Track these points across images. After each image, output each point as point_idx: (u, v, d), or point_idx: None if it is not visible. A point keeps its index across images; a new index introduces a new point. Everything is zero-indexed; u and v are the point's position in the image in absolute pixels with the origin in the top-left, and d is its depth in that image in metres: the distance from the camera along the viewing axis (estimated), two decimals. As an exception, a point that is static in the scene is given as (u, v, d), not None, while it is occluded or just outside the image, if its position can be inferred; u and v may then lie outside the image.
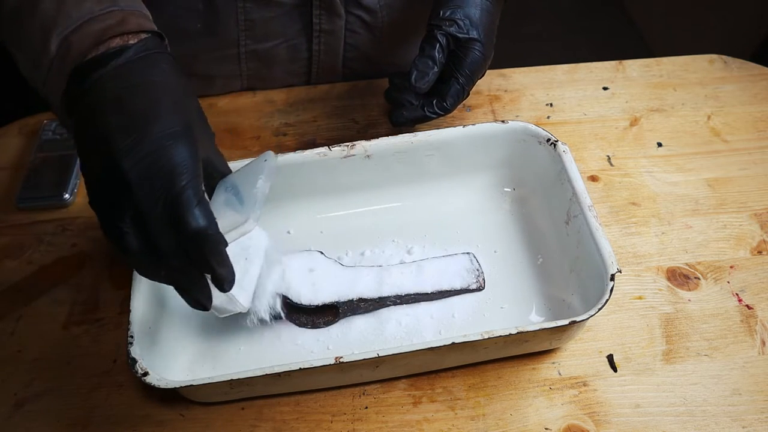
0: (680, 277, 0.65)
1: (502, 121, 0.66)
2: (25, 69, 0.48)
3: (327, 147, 0.64)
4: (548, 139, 0.65)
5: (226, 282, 0.45)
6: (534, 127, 0.66)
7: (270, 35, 0.76)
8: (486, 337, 0.52)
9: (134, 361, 0.51)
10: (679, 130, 0.78)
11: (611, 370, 0.59)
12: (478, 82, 0.68)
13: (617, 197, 0.71)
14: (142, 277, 0.56)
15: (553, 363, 0.59)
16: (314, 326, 0.60)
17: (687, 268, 0.65)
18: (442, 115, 0.67)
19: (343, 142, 0.65)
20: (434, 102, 0.66)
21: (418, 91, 0.65)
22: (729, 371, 0.58)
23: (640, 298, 0.63)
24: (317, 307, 0.59)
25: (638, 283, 0.64)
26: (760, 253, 0.67)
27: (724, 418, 0.56)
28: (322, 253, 0.63)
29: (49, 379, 0.59)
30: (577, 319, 0.53)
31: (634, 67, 0.85)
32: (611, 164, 0.74)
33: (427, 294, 0.61)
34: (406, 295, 0.61)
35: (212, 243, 0.42)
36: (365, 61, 0.82)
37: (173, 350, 0.58)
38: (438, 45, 0.64)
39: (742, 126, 0.78)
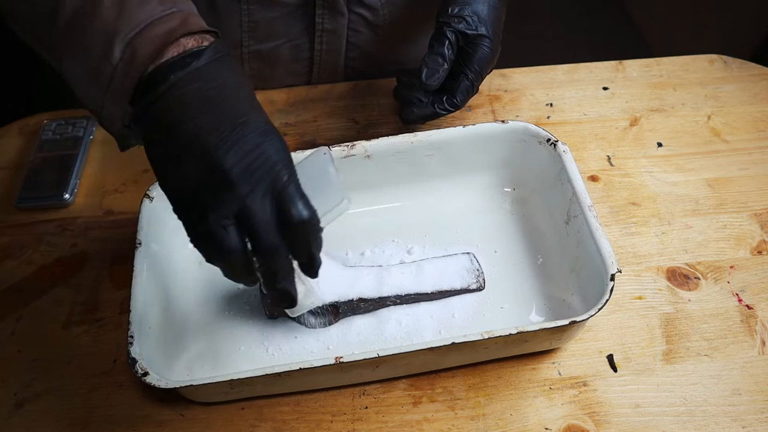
0: (680, 277, 0.65)
1: (502, 121, 0.66)
2: (79, 84, 0.45)
3: (327, 147, 0.64)
4: (548, 139, 0.65)
5: (319, 265, 0.46)
6: (534, 127, 0.66)
7: (273, 35, 0.76)
8: (486, 337, 0.52)
9: (134, 361, 0.51)
10: (679, 130, 0.78)
11: (611, 370, 0.59)
12: (479, 81, 0.68)
13: (617, 197, 0.71)
14: (142, 278, 0.56)
15: (553, 363, 0.59)
16: (314, 326, 0.60)
17: (687, 268, 0.65)
18: (452, 112, 0.67)
19: (343, 142, 0.65)
20: (444, 99, 0.66)
21: (428, 88, 0.65)
22: (729, 371, 0.58)
23: (640, 298, 0.63)
24: (317, 307, 0.59)
25: (638, 283, 0.64)
26: (760, 253, 0.67)
27: (724, 418, 0.56)
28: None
29: (49, 379, 0.59)
30: (577, 319, 0.53)
31: (634, 67, 0.85)
32: (611, 164, 0.74)
33: (427, 294, 0.61)
34: (406, 295, 0.61)
35: (315, 230, 0.44)
36: (367, 60, 0.82)
37: (173, 350, 0.58)
38: (447, 42, 0.64)
39: (742, 126, 0.78)
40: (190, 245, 0.44)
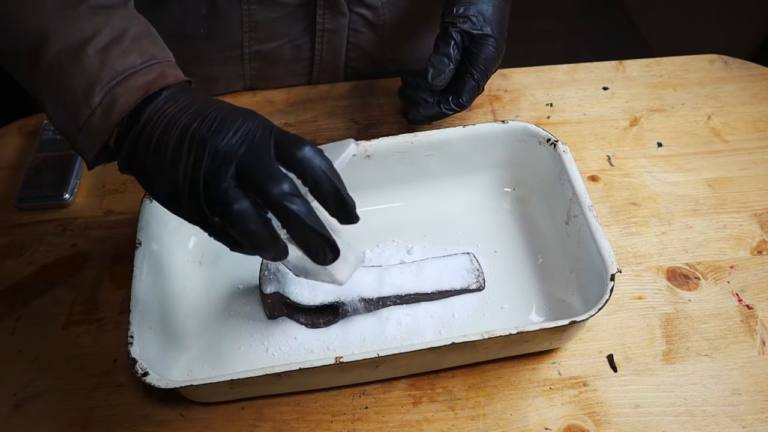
0: (680, 277, 0.65)
1: (502, 121, 0.66)
2: (57, 117, 0.48)
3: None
4: (548, 139, 0.65)
5: (354, 206, 0.46)
6: (534, 127, 0.66)
7: (274, 35, 0.76)
8: (486, 337, 0.52)
9: (134, 361, 0.51)
10: (679, 130, 0.78)
11: (611, 370, 0.59)
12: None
13: (617, 197, 0.71)
14: (142, 277, 0.56)
15: (553, 363, 0.59)
16: (314, 326, 0.60)
17: (687, 268, 0.65)
18: (458, 112, 0.67)
19: (343, 142, 0.65)
20: (450, 99, 0.67)
21: (434, 88, 0.66)
22: (729, 371, 0.58)
23: (640, 298, 0.63)
24: (317, 307, 0.59)
25: (638, 283, 0.64)
26: (760, 253, 0.67)
27: (724, 418, 0.56)
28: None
29: (49, 379, 0.59)
30: (577, 319, 0.53)
31: (634, 67, 0.85)
32: (611, 164, 0.74)
33: (427, 294, 0.61)
34: (406, 295, 0.61)
35: (336, 175, 0.44)
36: (367, 60, 0.82)
37: (173, 350, 0.58)
38: (453, 42, 0.65)
39: (742, 126, 0.78)
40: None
